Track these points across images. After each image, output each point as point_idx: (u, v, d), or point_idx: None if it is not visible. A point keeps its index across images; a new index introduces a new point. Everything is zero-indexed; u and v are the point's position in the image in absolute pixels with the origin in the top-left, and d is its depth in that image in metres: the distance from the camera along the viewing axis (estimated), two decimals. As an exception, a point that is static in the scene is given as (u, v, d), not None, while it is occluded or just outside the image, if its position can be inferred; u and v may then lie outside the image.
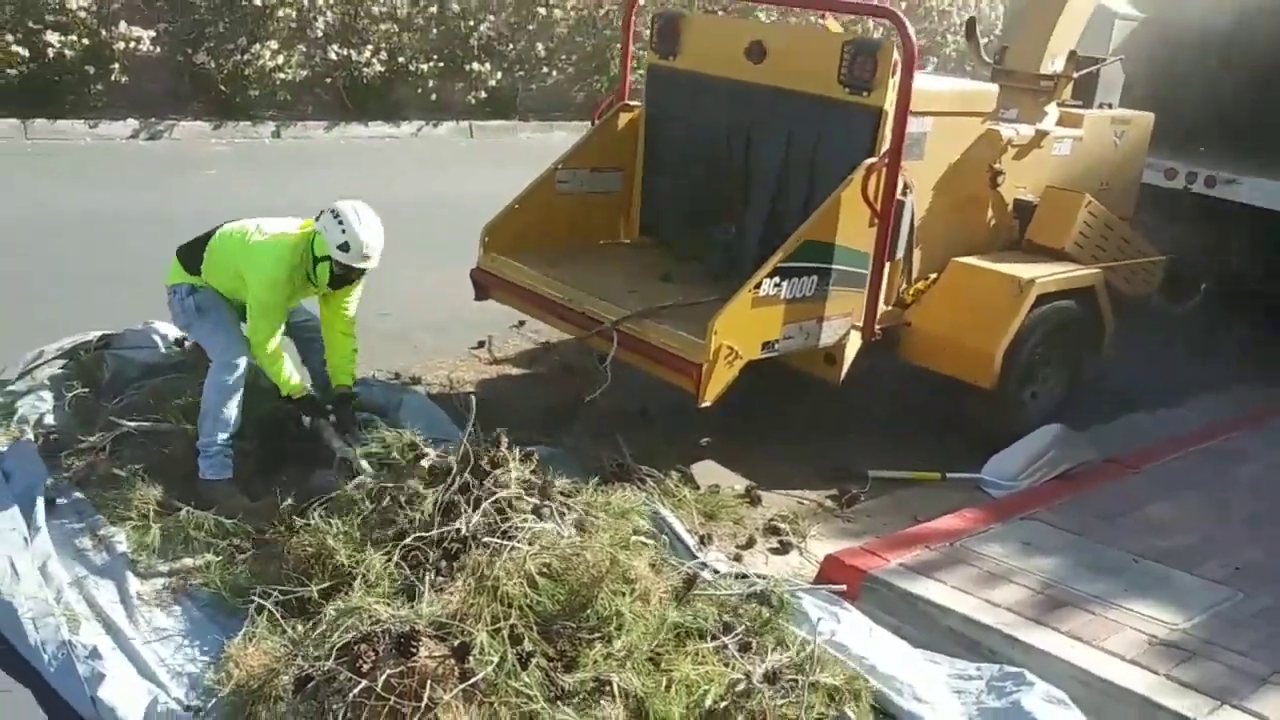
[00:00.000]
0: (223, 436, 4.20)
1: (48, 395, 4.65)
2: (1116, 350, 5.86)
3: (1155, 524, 4.64)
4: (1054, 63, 5.99)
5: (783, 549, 4.45)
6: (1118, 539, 4.46)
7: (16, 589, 3.44)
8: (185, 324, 4.51)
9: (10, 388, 4.74)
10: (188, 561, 3.73)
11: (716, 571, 3.82)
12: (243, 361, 4.28)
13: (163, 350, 5.04)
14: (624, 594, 3.20)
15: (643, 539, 3.77)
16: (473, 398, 4.02)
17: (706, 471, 4.99)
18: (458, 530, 3.41)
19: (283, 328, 4.35)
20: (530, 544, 3.38)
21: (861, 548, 4.29)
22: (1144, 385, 6.47)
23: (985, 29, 17.82)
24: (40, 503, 3.88)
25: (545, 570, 3.27)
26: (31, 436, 4.35)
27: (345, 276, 4.34)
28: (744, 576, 3.80)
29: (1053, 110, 5.98)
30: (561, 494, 3.79)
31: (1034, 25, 6.17)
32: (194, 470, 4.16)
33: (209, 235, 4.41)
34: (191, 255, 4.40)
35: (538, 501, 3.64)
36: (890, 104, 4.65)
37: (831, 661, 3.28)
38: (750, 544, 4.41)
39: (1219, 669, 3.54)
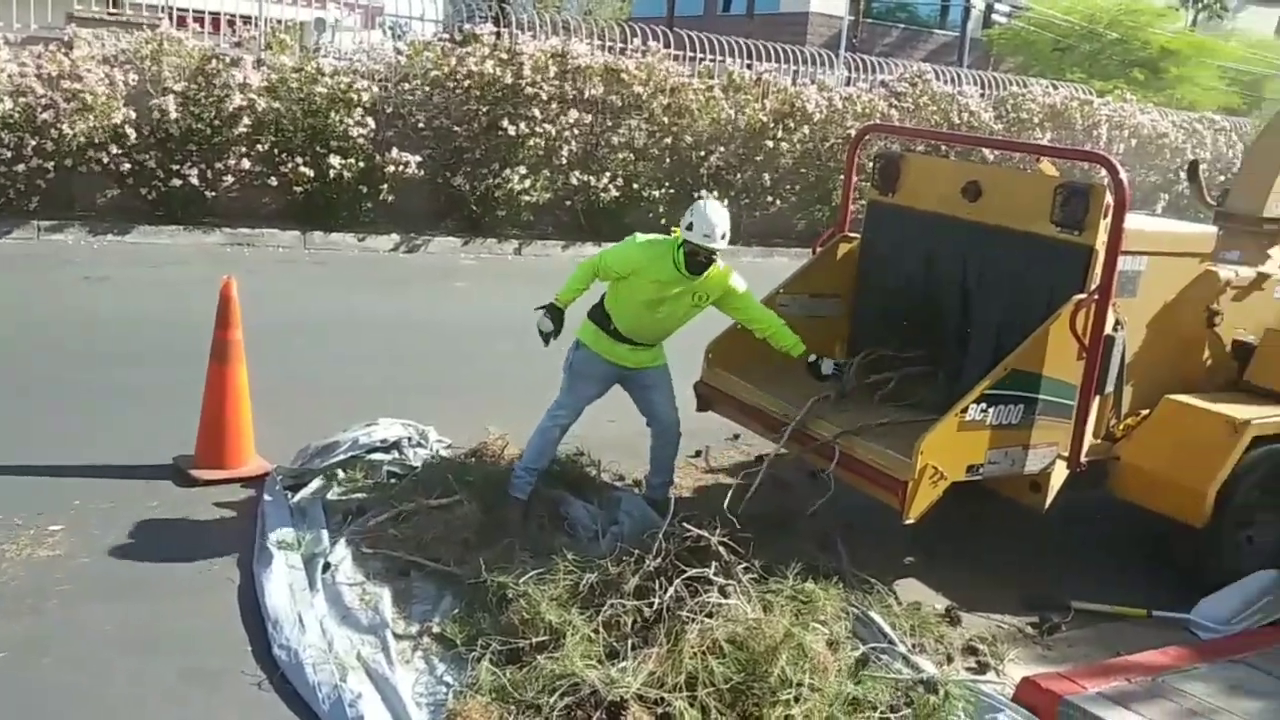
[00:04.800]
0: (525, 466, 5.15)
1: (339, 476, 5.36)
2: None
3: (1378, 675, 4.49)
4: (1278, 206, 6.01)
5: (980, 669, 4.54)
6: (1334, 688, 4.35)
7: (302, 639, 4.04)
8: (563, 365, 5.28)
9: (303, 468, 5.45)
10: (435, 618, 4.29)
11: (909, 662, 4.04)
12: (559, 422, 5.17)
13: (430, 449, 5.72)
14: (801, 665, 3.57)
15: (817, 624, 4.05)
16: (672, 497, 4.70)
17: (909, 588, 5.14)
18: (651, 603, 3.93)
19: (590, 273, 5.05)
20: (712, 616, 3.84)
21: (1059, 673, 4.35)
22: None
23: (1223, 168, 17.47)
24: (319, 565, 4.53)
25: (732, 639, 3.69)
26: (321, 510, 5.06)
27: (697, 258, 4.89)
28: (917, 667, 4.02)
29: (1277, 254, 5.97)
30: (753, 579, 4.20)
31: (1258, 169, 6.21)
32: (450, 538, 4.78)
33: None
34: (596, 311, 5.16)
35: (723, 580, 4.08)
36: (1101, 244, 4.82)
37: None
38: (948, 662, 4.53)
39: None
